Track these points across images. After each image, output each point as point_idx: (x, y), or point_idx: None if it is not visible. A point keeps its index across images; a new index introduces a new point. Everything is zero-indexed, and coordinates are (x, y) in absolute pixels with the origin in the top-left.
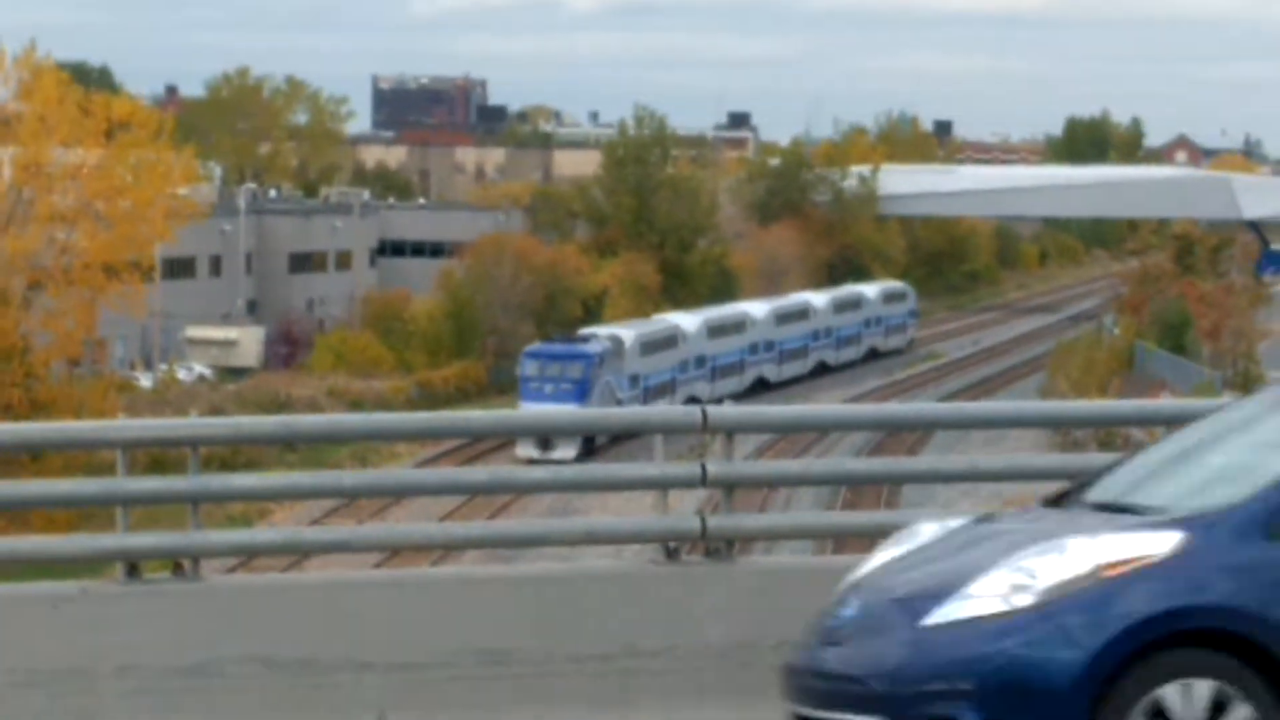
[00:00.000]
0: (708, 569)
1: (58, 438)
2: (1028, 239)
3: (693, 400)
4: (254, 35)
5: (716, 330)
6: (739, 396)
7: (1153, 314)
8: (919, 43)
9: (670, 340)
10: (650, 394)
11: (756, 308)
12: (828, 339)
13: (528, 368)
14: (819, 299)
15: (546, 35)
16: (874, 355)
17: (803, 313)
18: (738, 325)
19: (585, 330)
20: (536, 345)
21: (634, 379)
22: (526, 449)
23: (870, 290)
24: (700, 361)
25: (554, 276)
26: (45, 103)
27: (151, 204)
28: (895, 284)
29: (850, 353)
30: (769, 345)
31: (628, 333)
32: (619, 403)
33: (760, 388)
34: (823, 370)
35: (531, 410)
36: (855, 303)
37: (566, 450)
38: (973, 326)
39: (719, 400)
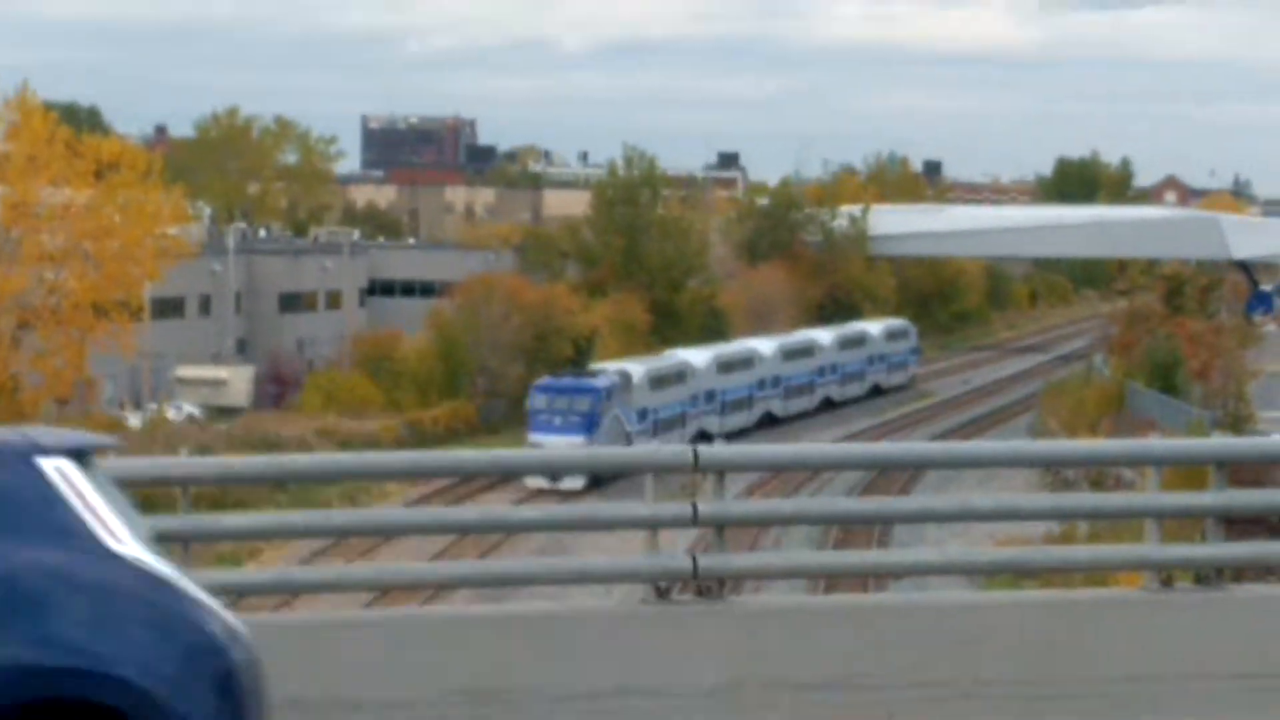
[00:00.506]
0: (699, 608)
1: None
2: (1018, 279)
3: (703, 434)
4: (244, 75)
5: (725, 366)
6: (748, 431)
7: (1143, 354)
8: (908, 83)
9: (680, 375)
10: (660, 427)
11: (764, 344)
12: (833, 375)
13: (537, 401)
14: (824, 336)
15: (537, 75)
16: (877, 391)
17: (809, 349)
18: (746, 361)
19: (595, 365)
20: (545, 379)
21: (643, 413)
22: (536, 479)
23: (874, 328)
24: (710, 396)
25: (544, 316)
26: (34, 143)
27: (140, 244)
28: (897, 321)
29: (854, 389)
30: (776, 381)
31: (637, 368)
32: (627, 435)
33: (768, 422)
34: (828, 406)
35: (522, 451)
36: (859, 340)
37: (574, 481)
38: (963, 366)
39: (728, 435)
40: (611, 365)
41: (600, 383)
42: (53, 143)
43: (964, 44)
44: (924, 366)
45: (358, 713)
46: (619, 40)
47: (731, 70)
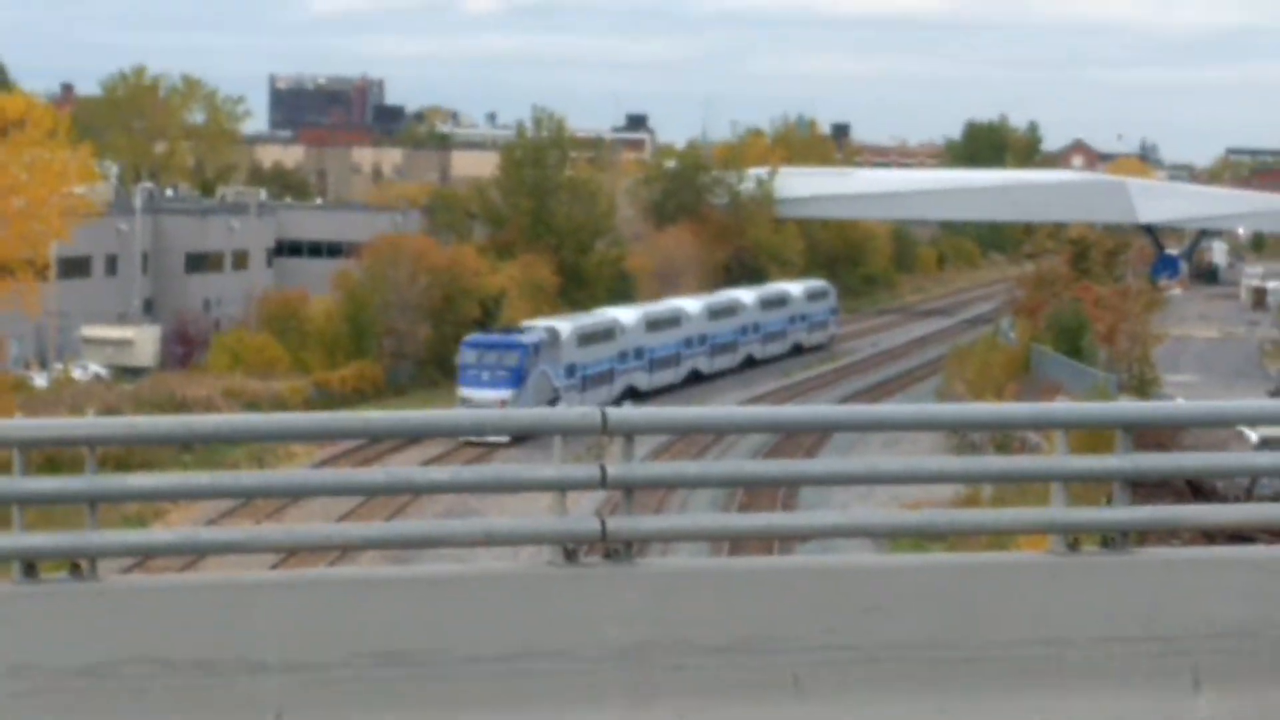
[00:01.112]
0: (607, 570)
1: None
2: (925, 242)
3: (632, 390)
4: (151, 34)
5: (654, 324)
6: (675, 387)
7: (1049, 318)
8: (817, 45)
9: (609, 333)
10: (589, 383)
11: (691, 304)
12: (756, 334)
13: (466, 356)
14: (748, 296)
15: (446, 36)
16: (798, 350)
17: (733, 309)
18: (674, 320)
19: (525, 323)
20: (475, 336)
21: (571, 369)
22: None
23: (794, 288)
24: (639, 354)
25: (451, 277)
26: None
27: (46, 203)
28: (817, 282)
29: (776, 347)
30: (702, 339)
31: (565, 325)
32: (555, 390)
33: (694, 379)
34: (751, 364)
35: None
36: (781, 300)
37: (501, 436)
38: (870, 329)
39: (656, 391)
40: (540, 322)
41: (527, 339)
42: None
43: (874, 7)
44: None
45: (264, 674)
46: (529, 1)
47: (641, 31)
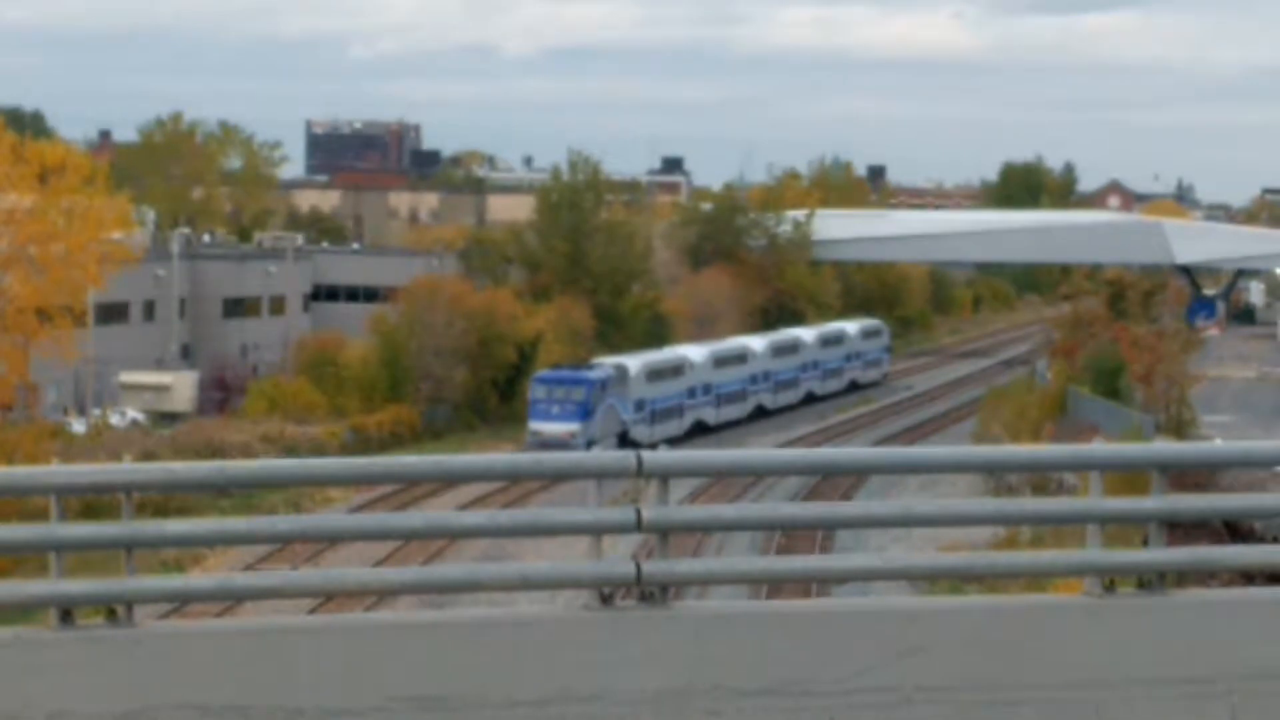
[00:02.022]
0: (642, 614)
1: None
2: (961, 284)
3: (700, 424)
4: (188, 80)
5: (721, 362)
6: (741, 421)
7: (1085, 359)
8: (853, 88)
9: (677, 369)
10: (657, 417)
11: (755, 342)
12: (815, 371)
13: (536, 391)
14: (808, 334)
15: (482, 80)
16: (854, 387)
17: (794, 347)
18: (740, 357)
19: (595, 360)
20: (545, 371)
21: (639, 404)
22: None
23: (851, 327)
24: (706, 389)
25: (488, 321)
26: None
27: (84, 249)
28: (872, 321)
29: (834, 384)
30: (766, 376)
31: (633, 361)
32: (623, 424)
33: (759, 414)
34: (810, 400)
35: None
36: (839, 338)
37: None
38: (907, 371)
39: (723, 425)
40: (609, 359)
41: (595, 375)
42: None
43: (910, 49)
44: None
45: (301, 719)
46: (564, 45)
47: (677, 75)
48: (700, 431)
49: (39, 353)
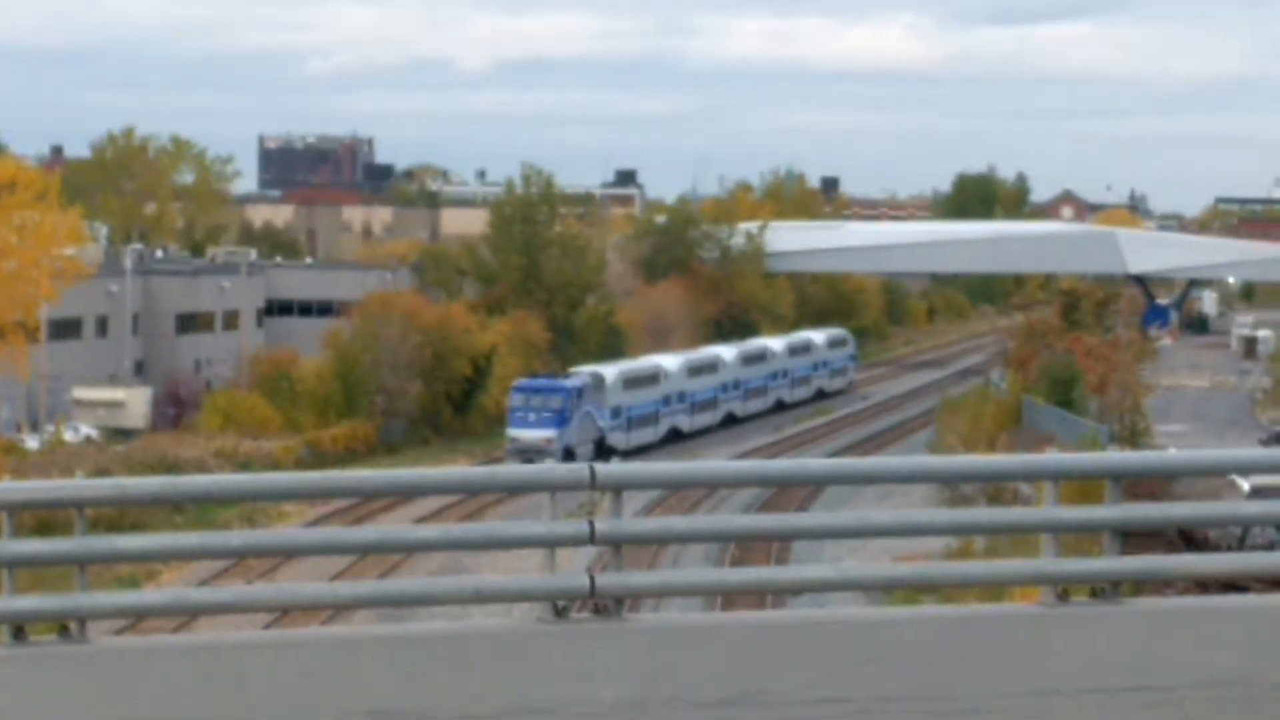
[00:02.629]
0: (597, 627)
1: None
2: (915, 295)
3: (675, 431)
4: (140, 95)
5: (694, 370)
6: (712, 428)
7: (1040, 369)
8: (807, 100)
9: (653, 378)
10: (633, 424)
11: (727, 351)
12: (784, 379)
13: (515, 399)
14: (776, 344)
15: (436, 94)
16: (821, 395)
17: (764, 356)
18: (712, 366)
19: (574, 368)
20: (523, 380)
21: (616, 411)
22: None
23: (817, 336)
24: (681, 397)
25: (442, 335)
26: None
27: (37, 265)
28: (838, 331)
29: (802, 392)
30: (736, 384)
31: (610, 370)
32: (600, 430)
33: (730, 421)
34: (780, 407)
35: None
36: (806, 347)
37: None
38: (862, 382)
39: (696, 431)
40: (586, 368)
41: (571, 383)
42: None
43: (865, 61)
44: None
45: None
46: (519, 59)
47: (631, 88)
48: (675, 438)
49: None
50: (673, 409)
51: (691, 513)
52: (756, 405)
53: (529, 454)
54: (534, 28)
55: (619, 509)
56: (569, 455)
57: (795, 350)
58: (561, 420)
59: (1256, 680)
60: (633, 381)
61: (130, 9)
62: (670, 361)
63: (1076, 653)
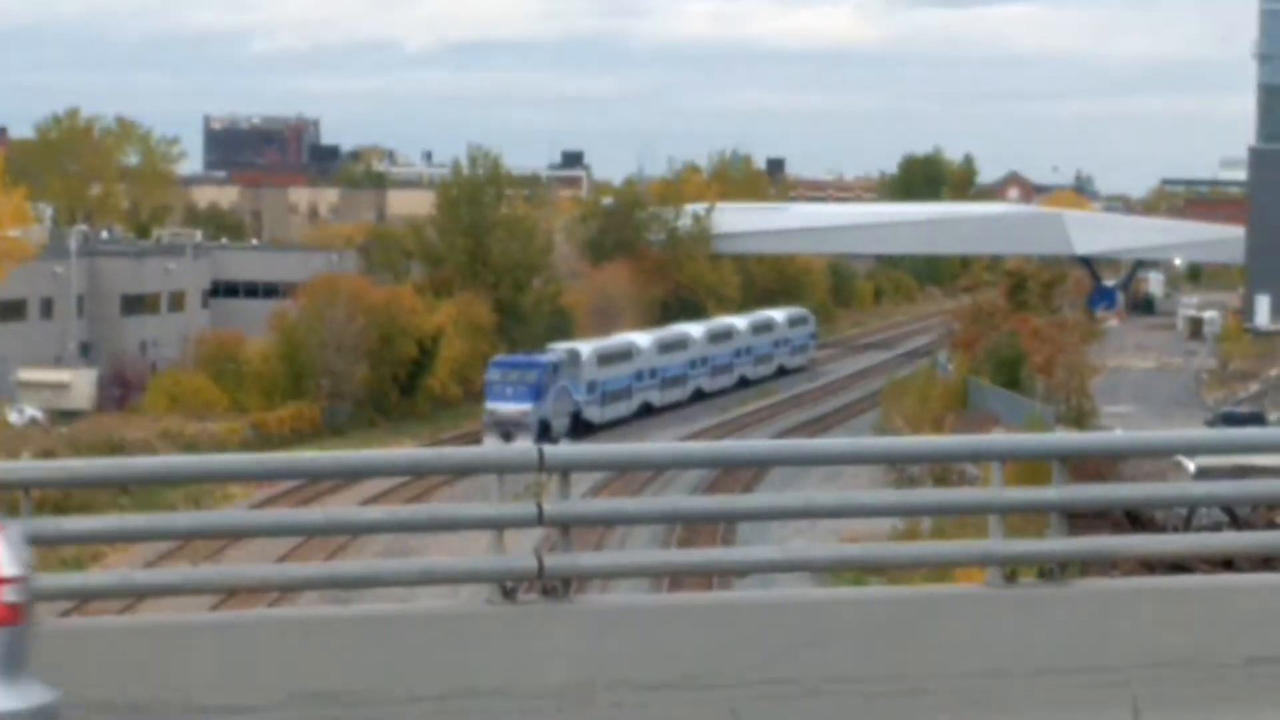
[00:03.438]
0: (545, 608)
1: None
2: (862, 276)
3: (647, 405)
4: (85, 75)
5: (665, 348)
6: (683, 403)
7: (986, 350)
8: (753, 81)
9: (626, 354)
10: (608, 398)
11: (695, 329)
12: (748, 356)
13: (492, 374)
14: (741, 322)
15: (381, 75)
16: (782, 372)
17: (729, 334)
18: (681, 344)
19: (551, 345)
20: (500, 356)
21: (591, 385)
22: (491, 441)
23: (779, 315)
24: (653, 373)
25: (388, 317)
26: None
27: None
28: (798, 310)
29: (764, 369)
30: (704, 361)
31: (585, 347)
32: (575, 404)
33: (698, 396)
34: (744, 384)
35: (367, 452)
36: (768, 326)
37: (525, 440)
38: (768, 375)
39: (667, 406)
40: (562, 344)
41: (547, 359)
42: None
43: (810, 41)
44: (769, 365)
45: (203, 716)
46: (464, 40)
47: (576, 69)
48: (647, 413)
49: None
50: (645, 385)
51: (638, 494)
52: (721, 382)
53: (506, 427)
54: (480, 8)
55: (567, 491)
56: (545, 428)
57: (758, 329)
58: (537, 394)
59: (1203, 660)
60: (607, 358)
61: None
62: (642, 339)
63: (1024, 633)
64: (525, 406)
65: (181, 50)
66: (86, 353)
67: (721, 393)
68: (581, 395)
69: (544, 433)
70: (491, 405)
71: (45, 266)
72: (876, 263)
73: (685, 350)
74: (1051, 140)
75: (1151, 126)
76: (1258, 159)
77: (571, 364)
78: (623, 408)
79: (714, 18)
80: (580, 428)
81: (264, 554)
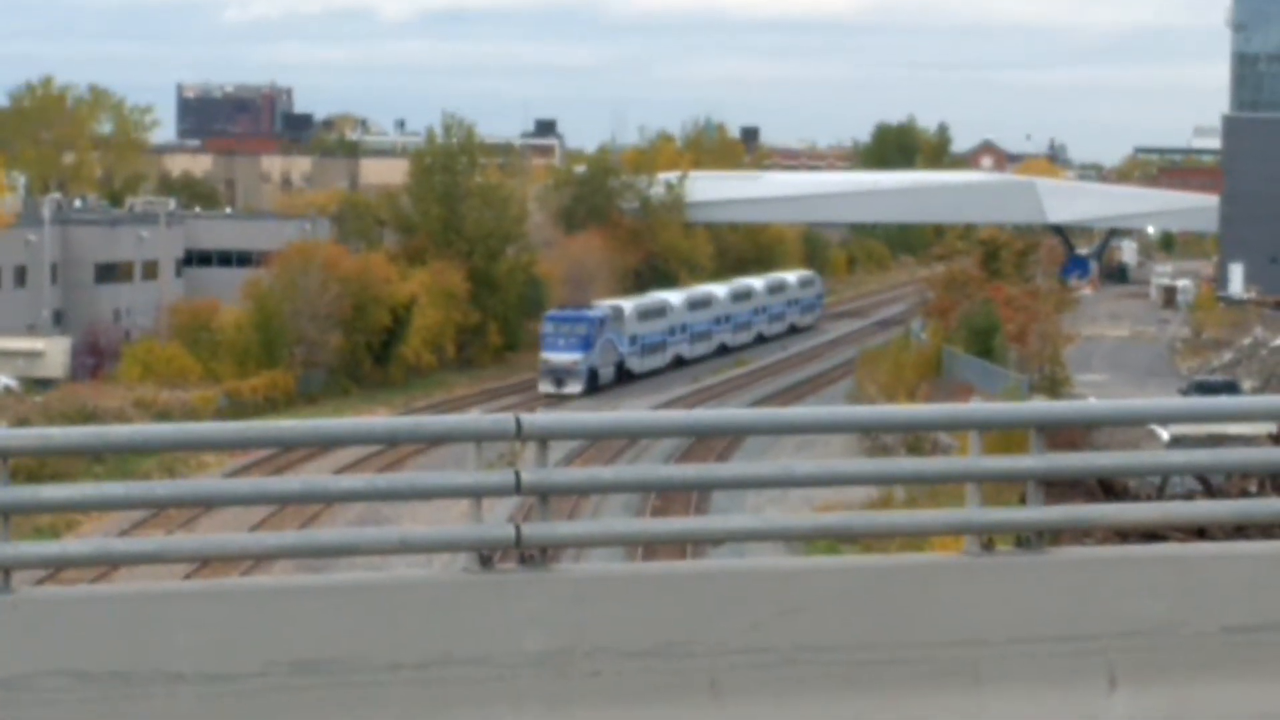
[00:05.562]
0: (522, 577)
1: None
2: (836, 245)
3: (678, 358)
4: (58, 43)
5: (694, 305)
6: (708, 357)
7: (960, 319)
8: (727, 49)
9: (661, 311)
10: (646, 350)
11: (719, 289)
12: (764, 315)
13: (547, 327)
14: (758, 283)
15: (355, 43)
16: (793, 330)
17: (748, 294)
18: (707, 302)
19: (596, 302)
20: (554, 310)
21: (633, 339)
22: (546, 386)
23: (790, 277)
24: (684, 329)
25: (362, 285)
26: None
27: None
28: (807, 272)
29: (778, 327)
30: (727, 318)
31: (628, 304)
32: (620, 355)
33: (722, 351)
34: (761, 340)
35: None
36: (781, 286)
37: (574, 386)
38: (782, 332)
39: (697, 359)
40: (608, 301)
41: (596, 314)
42: None
43: (785, 10)
44: (743, 333)
45: (180, 684)
46: (439, 8)
47: (551, 38)
48: (678, 364)
49: None
50: (677, 339)
51: (613, 463)
52: (742, 338)
53: (559, 373)
54: None
55: (544, 459)
56: (593, 376)
57: (773, 289)
58: (587, 345)
59: (1179, 628)
60: (645, 314)
61: None
62: (675, 297)
63: (1001, 602)
64: (576, 356)
65: (155, 19)
66: (60, 321)
67: (742, 347)
68: (625, 347)
69: (592, 380)
70: (546, 355)
71: (18, 235)
72: (850, 231)
73: (710, 308)
74: (1025, 109)
75: (1125, 95)
76: (1231, 127)
77: (616, 319)
78: (658, 359)
79: None
80: (623, 377)
81: (237, 522)
